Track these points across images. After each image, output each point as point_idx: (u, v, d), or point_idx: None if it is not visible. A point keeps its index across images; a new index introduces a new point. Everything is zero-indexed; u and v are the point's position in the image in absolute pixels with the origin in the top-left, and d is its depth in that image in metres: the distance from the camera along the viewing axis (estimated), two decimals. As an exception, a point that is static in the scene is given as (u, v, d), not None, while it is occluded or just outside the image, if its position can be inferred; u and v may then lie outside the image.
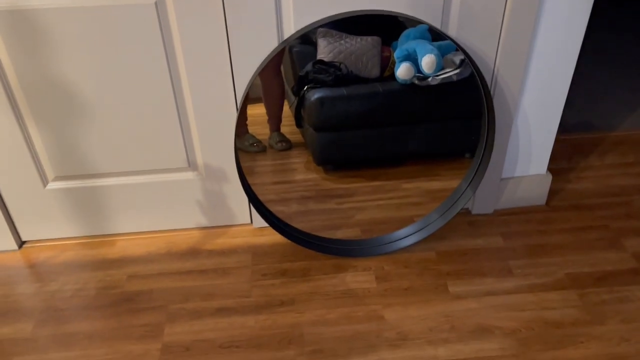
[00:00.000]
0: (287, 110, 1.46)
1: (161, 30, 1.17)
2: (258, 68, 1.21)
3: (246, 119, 1.39)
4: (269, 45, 1.19)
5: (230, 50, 1.19)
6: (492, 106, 1.30)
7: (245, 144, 1.42)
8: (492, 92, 1.30)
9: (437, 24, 1.21)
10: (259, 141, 1.44)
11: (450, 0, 1.17)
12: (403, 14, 1.19)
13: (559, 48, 1.28)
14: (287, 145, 1.48)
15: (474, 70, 1.24)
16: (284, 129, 1.46)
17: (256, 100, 1.38)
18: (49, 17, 1.13)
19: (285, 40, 1.19)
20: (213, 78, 1.24)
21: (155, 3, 1.13)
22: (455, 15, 1.19)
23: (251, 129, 1.41)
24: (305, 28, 1.19)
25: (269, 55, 1.20)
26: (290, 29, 1.19)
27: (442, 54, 1.32)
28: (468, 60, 1.23)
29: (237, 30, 1.17)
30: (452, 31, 1.22)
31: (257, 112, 1.41)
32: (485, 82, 1.26)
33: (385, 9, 1.18)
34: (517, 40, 1.22)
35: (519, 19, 1.19)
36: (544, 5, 1.20)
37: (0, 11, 1.11)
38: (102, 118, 1.28)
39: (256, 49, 1.20)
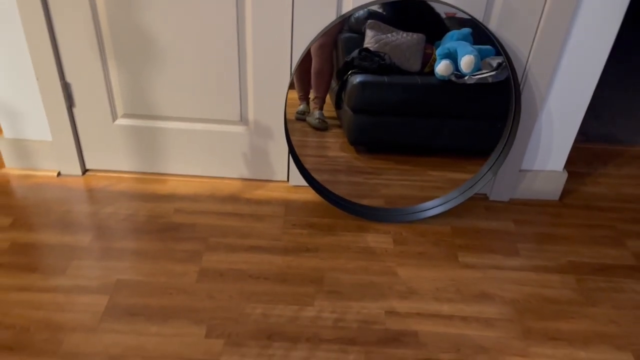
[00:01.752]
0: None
1: (236, -7, 1.34)
2: (314, 39, 1.37)
3: (308, 96, 1.53)
4: (327, 17, 1.35)
5: (294, 18, 1.35)
6: (520, 100, 1.43)
7: (311, 119, 1.56)
8: (521, 87, 1.43)
9: (479, 17, 1.34)
10: (325, 120, 1.58)
11: (494, -3, 1.31)
12: (450, 4, 1.32)
13: (588, 52, 1.40)
14: (325, 125, 1.61)
15: (506, 62, 1.36)
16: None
17: (290, 86, 1.50)
18: (143, -29, 1.31)
19: (342, 15, 1.35)
20: (274, 42, 1.40)
21: (236, -31, 1.30)
22: (498, 10, 1.32)
23: (289, 110, 1.54)
24: (360, 7, 1.34)
25: (326, 27, 1.35)
26: (349, 6, 1.34)
27: (481, 56, 1.43)
28: (500, 49, 1.35)
29: (303, 1, 1.33)
30: (492, 25, 1.35)
31: (290, 95, 1.52)
32: (516, 75, 1.39)
33: (435, -2, 1.32)
34: (551, 40, 1.35)
35: (554, 21, 1.32)
36: (579, 11, 1.33)
37: (103, -39, 1.30)
38: (173, 65, 1.46)
39: (316, 19, 1.35)
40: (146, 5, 1.36)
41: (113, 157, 1.63)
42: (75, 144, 1.59)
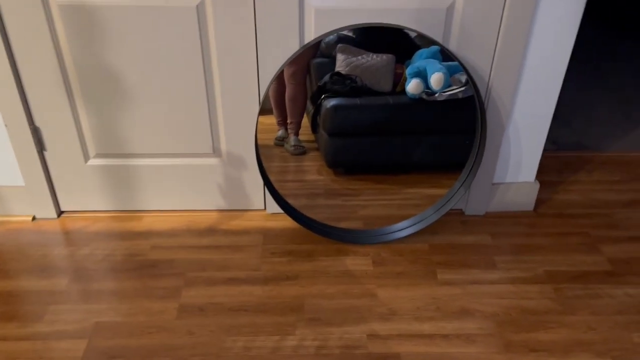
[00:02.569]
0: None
1: (199, 29, 1.35)
2: (280, 68, 1.39)
3: (287, 122, 1.55)
4: (291, 47, 1.37)
5: (258, 50, 1.38)
6: (485, 115, 1.46)
7: (288, 146, 1.58)
8: (485, 103, 1.46)
9: (439, 39, 1.37)
10: (301, 145, 1.59)
11: (451, 17, 1.34)
12: (410, 28, 1.36)
13: (548, 65, 1.43)
14: (302, 150, 1.62)
15: (470, 80, 1.39)
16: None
17: (268, 112, 1.52)
18: (105, 13, 1.32)
19: (306, 44, 1.37)
20: (241, 74, 1.42)
21: (197, 6, 1.32)
22: (456, 31, 1.36)
23: (261, 136, 1.54)
24: (323, 35, 1.36)
25: (290, 57, 1.38)
26: (311, 35, 1.36)
27: (450, 73, 1.46)
28: (463, 68, 1.38)
29: (265, 33, 1.35)
30: (452, 46, 1.39)
31: (270, 121, 1.55)
32: (479, 92, 1.42)
33: (395, 22, 1.35)
34: (510, 57, 1.38)
35: (511, 38, 1.36)
36: (534, 27, 1.37)
37: (64, 6, 1.31)
38: (141, 104, 1.47)
39: (280, 50, 1.37)
40: (110, 46, 1.37)
41: (88, 198, 1.63)
42: (49, 187, 1.58)
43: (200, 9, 1.33)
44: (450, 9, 1.33)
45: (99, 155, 1.56)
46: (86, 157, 1.56)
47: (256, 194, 1.64)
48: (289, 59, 1.38)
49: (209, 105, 1.48)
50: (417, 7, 1.33)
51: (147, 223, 1.63)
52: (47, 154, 1.54)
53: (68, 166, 1.57)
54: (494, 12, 1.33)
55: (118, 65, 1.40)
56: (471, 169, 1.54)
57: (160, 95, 1.45)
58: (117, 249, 1.53)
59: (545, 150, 1.61)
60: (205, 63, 1.41)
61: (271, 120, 1.54)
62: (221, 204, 1.66)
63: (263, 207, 1.67)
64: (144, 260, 1.49)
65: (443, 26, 1.36)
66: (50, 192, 1.60)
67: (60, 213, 1.66)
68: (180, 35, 1.36)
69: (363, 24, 1.35)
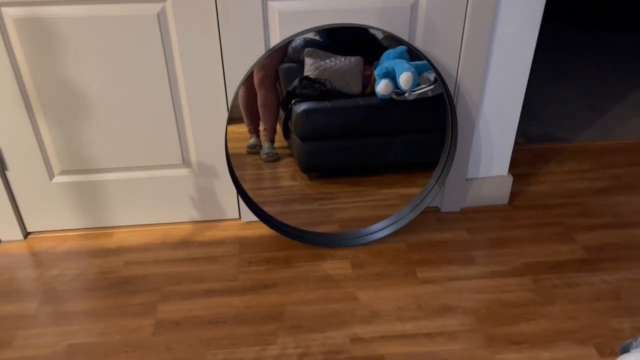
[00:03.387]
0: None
1: (162, 38, 1.33)
2: (247, 73, 1.37)
3: (258, 129, 1.53)
4: (257, 52, 1.35)
5: (223, 56, 1.35)
6: (455, 112, 1.46)
7: (262, 154, 1.55)
8: (455, 99, 1.46)
9: (404, 36, 1.37)
10: (274, 153, 1.57)
11: (416, 15, 1.34)
12: (375, 27, 1.35)
13: (513, 58, 1.45)
14: (276, 157, 1.60)
15: (438, 77, 1.40)
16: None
17: (239, 120, 1.50)
18: (62, 25, 1.28)
19: (271, 48, 1.35)
20: (207, 82, 1.40)
21: (157, 14, 1.29)
22: (421, 28, 1.36)
23: (234, 144, 1.52)
24: (288, 38, 1.35)
25: (257, 62, 1.36)
26: (276, 38, 1.35)
27: (418, 72, 1.46)
28: (430, 65, 1.38)
29: (229, 39, 1.33)
30: (418, 43, 1.39)
31: (241, 130, 1.53)
32: (448, 88, 1.42)
33: (359, 22, 1.35)
34: (476, 52, 1.39)
35: (476, 33, 1.36)
36: (497, 21, 1.38)
37: (20, 19, 1.26)
38: (106, 117, 1.43)
39: (246, 55, 1.35)
40: (70, 59, 1.33)
41: (55, 217, 1.58)
42: (13, 208, 1.52)
43: (161, 17, 1.30)
44: (414, 6, 1.33)
45: (64, 172, 1.51)
46: (51, 175, 1.51)
47: (230, 203, 1.61)
48: (255, 63, 1.36)
49: (176, 115, 1.45)
50: (382, 5, 1.33)
51: (119, 239, 1.58)
52: (9, 174, 1.49)
53: (32, 185, 1.51)
54: (458, 8, 1.34)
55: (79, 79, 1.36)
56: (444, 165, 1.54)
57: (125, 107, 1.42)
58: (88, 267, 1.48)
59: (515, 143, 1.62)
60: (169, 72, 1.38)
61: (242, 128, 1.52)
62: (194, 215, 1.62)
63: (238, 216, 1.65)
64: (116, 278, 1.44)
65: (408, 24, 1.35)
66: (15, 213, 1.54)
67: (26, 234, 1.60)
68: (142, 45, 1.33)
69: (328, 25, 1.35)
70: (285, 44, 1.41)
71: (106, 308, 1.35)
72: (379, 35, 1.42)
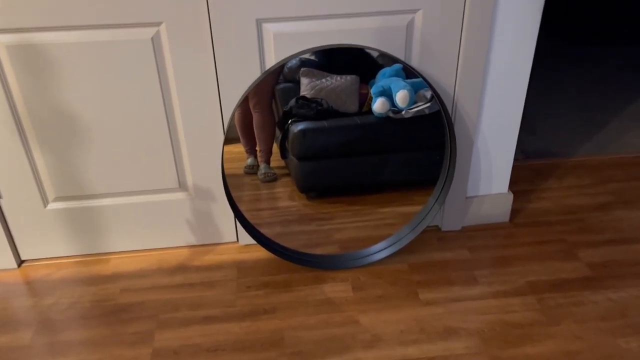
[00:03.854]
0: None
1: (156, 62, 1.32)
2: (242, 95, 1.36)
3: (256, 149, 1.52)
4: (252, 74, 1.34)
5: (218, 79, 1.34)
6: (453, 130, 1.45)
7: (259, 174, 1.53)
8: (453, 117, 1.45)
9: (401, 56, 1.36)
10: (271, 173, 1.55)
11: (411, 34, 1.34)
12: (372, 47, 1.34)
13: (510, 75, 1.44)
14: (273, 177, 1.59)
15: (435, 96, 1.39)
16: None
17: (235, 140, 1.49)
18: (56, 51, 1.27)
19: (267, 70, 1.34)
20: (202, 105, 1.38)
21: (152, 38, 1.28)
22: (417, 47, 1.35)
23: (231, 165, 1.51)
24: (283, 60, 1.34)
25: (252, 84, 1.35)
26: (272, 60, 1.34)
27: (414, 89, 1.45)
28: (428, 85, 1.38)
29: (224, 62, 1.32)
30: (414, 62, 1.38)
31: (239, 150, 1.52)
32: (445, 107, 1.41)
33: (355, 43, 1.34)
34: (473, 69, 1.38)
35: (473, 51, 1.36)
36: (493, 39, 1.37)
37: (13, 45, 1.25)
38: (100, 142, 1.41)
39: (241, 78, 1.34)
40: (63, 85, 1.32)
41: (49, 244, 1.55)
42: (7, 236, 1.50)
43: (155, 41, 1.29)
44: (409, 26, 1.33)
45: (58, 199, 1.48)
46: (45, 202, 1.48)
47: (227, 226, 1.59)
48: (251, 85, 1.35)
49: (172, 139, 1.43)
50: (377, 26, 1.32)
51: (115, 265, 1.56)
52: (2, 202, 1.46)
53: (26, 212, 1.49)
54: (454, 26, 1.33)
55: (73, 104, 1.35)
56: (444, 184, 1.53)
57: (120, 131, 1.40)
58: (83, 295, 1.45)
59: (514, 160, 1.61)
60: (164, 95, 1.37)
61: (240, 148, 1.50)
62: (191, 239, 1.60)
63: (235, 239, 1.62)
64: (113, 305, 1.41)
65: (404, 43, 1.35)
66: (9, 241, 1.51)
67: (20, 262, 1.57)
68: (136, 69, 1.32)
69: (324, 46, 1.34)
70: (281, 65, 1.40)
71: (102, 337, 1.31)
72: (375, 54, 1.41)
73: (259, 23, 1.29)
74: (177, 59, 1.32)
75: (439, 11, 1.31)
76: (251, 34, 1.29)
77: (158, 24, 1.27)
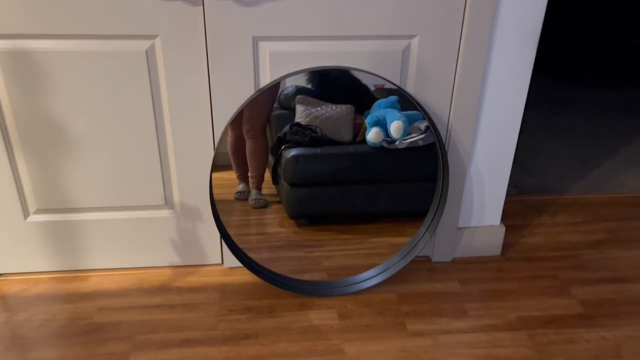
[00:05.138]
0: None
1: (149, 75, 1.30)
2: (235, 112, 1.34)
3: (247, 175, 1.50)
4: (246, 93, 1.33)
5: (211, 95, 1.33)
6: (447, 158, 1.43)
7: (249, 200, 1.51)
8: (446, 145, 1.44)
9: (396, 82, 1.36)
10: (262, 199, 1.53)
11: (407, 60, 1.34)
12: (367, 71, 1.34)
13: (505, 106, 1.43)
14: (264, 203, 1.56)
15: (428, 122, 1.38)
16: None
17: (226, 167, 1.48)
18: (47, 59, 1.26)
19: (261, 88, 1.33)
20: (194, 121, 1.36)
21: (146, 51, 1.27)
22: (413, 74, 1.35)
23: (222, 191, 1.49)
24: (278, 79, 1.33)
25: (246, 101, 1.33)
26: (266, 80, 1.33)
27: (409, 122, 1.46)
28: (421, 110, 1.37)
29: (218, 78, 1.31)
30: (410, 89, 1.37)
31: (230, 177, 1.51)
32: (439, 134, 1.40)
33: (351, 66, 1.34)
34: (468, 98, 1.38)
35: (468, 79, 1.35)
36: (489, 68, 1.37)
37: (4, 51, 1.24)
38: (87, 155, 1.38)
39: (234, 96, 1.33)
40: (53, 94, 1.30)
41: (27, 258, 1.50)
42: (-17, 247, 1.45)
43: (149, 54, 1.28)
44: (405, 52, 1.33)
45: (40, 211, 1.44)
46: (26, 214, 1.44)
47: (213, 247, 1.55)
48: (244, 103, 1.34)
49: (160, 154, 1.40)
50: (373, 49, 1.32)
51: (94, 283, 1.50)
52: (-18, 211, 1.42)
53: (5, 224, 1.44)
54: (450, 54, 1.33)
55: (62, 114, 1.32)
56: (435, 213, 1.50)
57: (108, 144, 1.37)
58: (58, 312, 1.39)
59: (507, 194, 1.59)
60: (155, 110, 1.35)
61: (231, 175, 1.49)
62: (175, 259, 1.55)
63: (220, 262, 1.58)
64: (88, 324, 1.35)
65: (400, 68, 1.34)
66: (-15, 252, 1.46)
67: (-5, 276, 1.52)
68: (129, 82, 1.30)
69: (319, 67, 1.33)
70: (277, 91, 1.40)
71: (75, 357, 1.25)
72: (371, 87, 1.41)
73: (255, 41, 1.28)
74: (171, 73, 1.30)
75: (435, 39, 1.31)
76: (247, 52, 1.28)
77: (153, 37, 1.26)
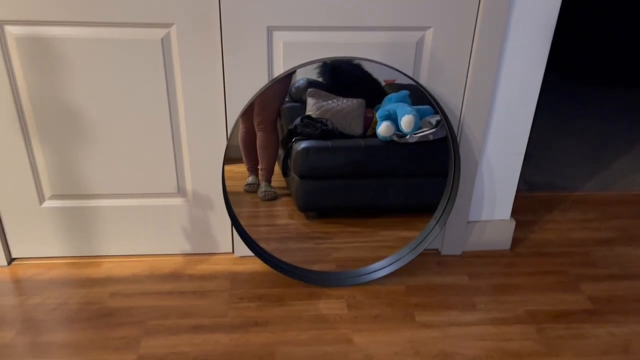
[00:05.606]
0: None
1: (164, 63, 1.31)
2: (248, 102, 1.35)
3: (257, 167, 1.51)
4: (259, 82, 1.34)
5: (225, 85, 1.34)
6: (458, 151, 1.43)
7: (259, 192, 1.52)
8: (458, 138, 1.44)
9: (409, 73, 1.36)
10: (272, 191, 1.54)
11: (421, 51, 1.34)
12: (380, 62, 1.34)
13: (517, 100, 1.43)
14: (273, 195, 1.57)
15: (441, 115, 1.38)
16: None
17: (238, 160, 1.49)
18: (65, 46, 1.27)
19: (274, 78, 1.34)
20: (207, 109, 1.38)
21: (162, 39, 1.29)
22: (426, 65, 1.35)
23: (233, 183, 1.50)
24: (292, 68, 1.34)
25: (259, 91, 1.34)
26: (280, 70, 1.34)
27: (420, 116, 1.46)
28: (433, 102, 1.37)
29: (232, 68, 1.32)
30: (422, 80, 1.38)
31: (240, 169, 1.51)
32: (451, 126, 1.40)
33: (364, 57, 1.34)
34: (481, 90, 1.38)
35: (482, 72, 1.35)
36: (503, 60, 1.37)
37: (21, 37, 1.26)
38: (102, 141, 1.40)
39: (248, 85, 1.34)
40: (69, 81, 1.31)
41: (42, 243, 1.52)
42: (-1, 231, 1.48)
43: (165, 43, 1.29)
44: (419, 44, 1.33)
45: (55, 197, 1.46)
46: (41, 199, 1.46)
47: (224, 236, 1.56)
48: (257, 92, 1.35)
49: (174, 142, 1.42)
50: (387, 41, 1.32)
51: (106, 269, 1.52)
52: (-2, 196, 1.45)
53: (21, 209, 1.47)
54: (464, 46, 1.33)
55: (78, 101, 1.34)
56: (445, 205, 1.50)
57: (122, 131, 1.39)
58: (71, 297, 1.41)
59: (518, 190, 1.59)
60: (170, 98, 1.36)
61: (241, 168, 1.50)
62: (186, 247, 1.57)
63: (231, 250, 1.59)
64: (100, 309, 1.37)
65: (413, 60, 1.35)
66: (1, 237, 1.48)
67: (11, 260, 1.54)
68: (144, 70, 1.32)
69: (332, 57, 1.34)
70: (289, 84, 1.40)
71: (87, 341, 1.27)
72: (382, 82, 1.41)
73: (269, 30, 1.29)
74: (186, 61, 1.31)
75: (449, 31, 1.32)
76: (261, 41, 1.29)
77: (169, 25, 1.27)
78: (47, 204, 1.47)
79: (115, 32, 1.27)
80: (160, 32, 1.28)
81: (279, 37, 1.30)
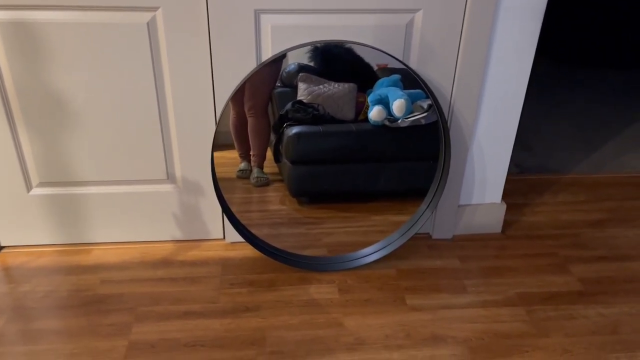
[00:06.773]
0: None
1: (151, 48, 1.30)
2: (236, 86, 1.34)
3: (249, 153, 1.50)
4: (248, 66, 1.32)
5: (213, 69, 1.32)
6: (449, 134, 1.43)
7: (251, 178, 1.52)
8: (449, 122, 1.44)
9: (399, 56, 1.35)
10: (264, 177, 1.53)
11: (410, 34, 1.32)
12: (369, 45, 1.33)
13: (508, 83, 1.43)
14: (265, 181, 1.57)
15: (430, 97, 1.37)
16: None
17: (229, 147, 1.48)
18: (49, 30, 1.25)
19: (263, 62, 1.33)
20: (195, 94, 1.36)
21: (147, 23, 1.27)
22: (416, 48, 1.34)
23: (224, 169, 1.49)
24: (280, 52, 1.32)
25: (247, 75, 1.33)
26: (268, 53, 1.32)
27: (412, 100, 1.45)
28: (423, 85, 1.36)
29: (220, 52, 1.30)
30: (413, 64, 1.36)
31: (232, 155, 1.51)
32: (442, 110, 1.39)
33: (353, 40, 1.32)
34: (471, 73, 1.37)
35: (471, 54, 1.34)
36: (493, 44, 1.36)
37: (5, 22, 1.23)
38: (89, 127, 1.38)
39: (236, 69, 1.32)
40: (55, 67, 1.29)
41: (31, 231, 1.51)
42: (-13, 219, 1.46)
43: (151, 26, 1.27)
44: (409, 26, 1.32)
45: (42, 184, 1.45)
46: (28, 187, 1.45)
47: (214, 222, 1.56)
48: (246, 76, 1.33)
49: (162, 128, 1.40)
50: (377, 23, 1.31)
51: (96, 256, 1.51)
52: (-15, 184, 1.43)
53: (8, 197, 1.45)
54: (454, 28, 1.32)
55: (63, 87, 1.32)
56: (436, 189, 1.50)
57: (110, 117, 1.37)
58: (61, 284, 1.41)
59: (509, 173, 1.59)
60: (157, 83, 1.34)
61: (233, 154, 1.49)
62: (176, 234, 1.56)
63: (222, 236, 1.59)
64: (91, 296, 1.37)
65: (403, 43, 1.34)
66: (-11, 225, 1.48)
67: (0, 248, 1.53)
68: (130, 54, 1.30)
69: (321, 40, 1.32)
70: (279, 69, 1.39)
71: (77, 327, 1.27)
72: (373, 66, 1.41)
73: (257, 14, 1.27)
74: (172, 45, 1.30)
75: (439, 12, 1.30)
76: (249, 25, 1.28)
77: (155, 8, 1.25)
78: (35, 191, 1.46)
79: (100, 15, 1.25)
80: (146, 16, 1.26)
81: (266, 21, 1.28)
